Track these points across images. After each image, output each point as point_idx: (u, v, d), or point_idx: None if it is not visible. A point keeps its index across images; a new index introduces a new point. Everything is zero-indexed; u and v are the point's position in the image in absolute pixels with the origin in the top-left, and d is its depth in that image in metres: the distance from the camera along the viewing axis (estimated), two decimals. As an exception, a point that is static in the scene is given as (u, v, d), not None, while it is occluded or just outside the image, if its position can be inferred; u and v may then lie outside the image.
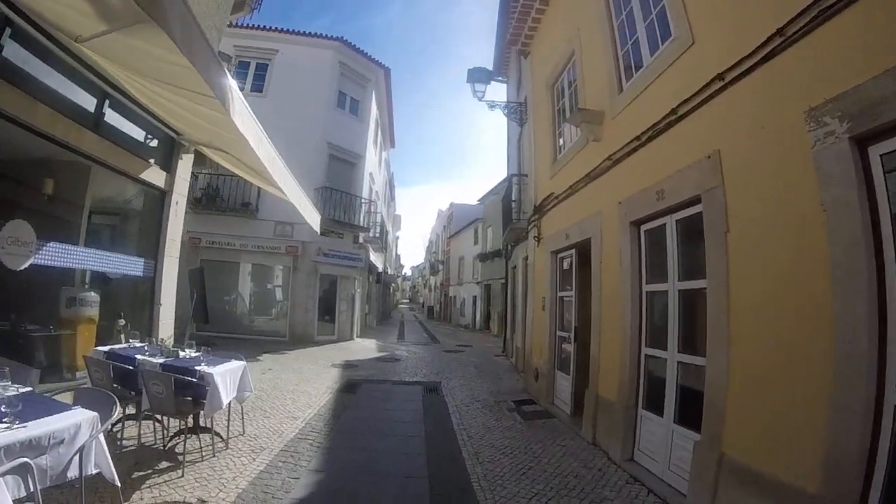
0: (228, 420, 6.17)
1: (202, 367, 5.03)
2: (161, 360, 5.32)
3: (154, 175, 7.51)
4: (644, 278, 5.57)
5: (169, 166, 7.95)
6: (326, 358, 13.25)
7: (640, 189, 5.44)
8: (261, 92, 17.93)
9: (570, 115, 6.99)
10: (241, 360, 5.83)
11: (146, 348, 5.83)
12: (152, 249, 7.71)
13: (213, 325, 15.98)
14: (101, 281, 7.13)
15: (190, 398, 5.08)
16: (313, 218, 7.51)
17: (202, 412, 5.08)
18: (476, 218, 33.50)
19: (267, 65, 18.23)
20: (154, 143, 7.83)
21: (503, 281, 25.82)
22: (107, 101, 6.39)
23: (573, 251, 7.72)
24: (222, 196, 16.60)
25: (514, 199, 12.15)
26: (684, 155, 4.64)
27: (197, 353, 5.76)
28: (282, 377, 10.05)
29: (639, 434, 5.42)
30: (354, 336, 18.83)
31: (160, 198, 7.89)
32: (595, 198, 6.82)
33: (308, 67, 18.19)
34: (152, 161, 7.56)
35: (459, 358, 14.88)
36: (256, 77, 18.15)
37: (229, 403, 5.33)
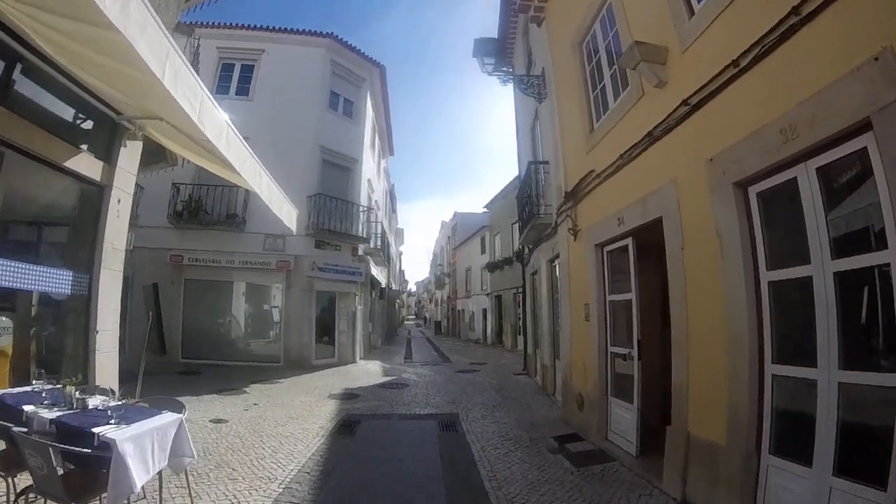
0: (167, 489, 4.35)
1: (104, 429, 3.26)
2: (55, 414, 3.58)
3: (87, 165, 5.85)
4: (764, 262, 3.80)
5: (108, 155, 6.28)
6: (323, 386, 11.45)
7: (751, 131, 3.71)
8: (247, 95, 16.41)
9: (623, 56, 5.26)
10: (179, 413, 4.03)
11: (44, 394, 4.06)
12: (86, 260, 5.99)
13: (200, 351, 14.43)
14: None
15: (88, 474, 3.33)
16: (288, 214, 5.81)
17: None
18: (482, 226, 31.74)
19: (253, 66, 16.70)
20: (87, 124, 6.18)
21: (516, 290, 24.09)
22: (18, 66, 4.89)
23: (629, 240, 5.96)
24: (205, 208, 14.90)
25: (530, 192, 10.40)
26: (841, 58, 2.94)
27: (119, 402, 3.99)
28: (266, 415, 8.25)
29: (766, 493, 3.63)
30: (357, 358, 16.99)
31: (96, 195, 6.20)
32: (663, 162, 5.10)
33: (297, 67, 16.67)
34: (84, 147, 5.91)
35: (475, 379, 13.05)
36: (242, 80, 16.62)
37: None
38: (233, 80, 16.51)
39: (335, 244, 16.25)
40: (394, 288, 42.12)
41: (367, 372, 14.57)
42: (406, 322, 78.55)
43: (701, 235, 4.48)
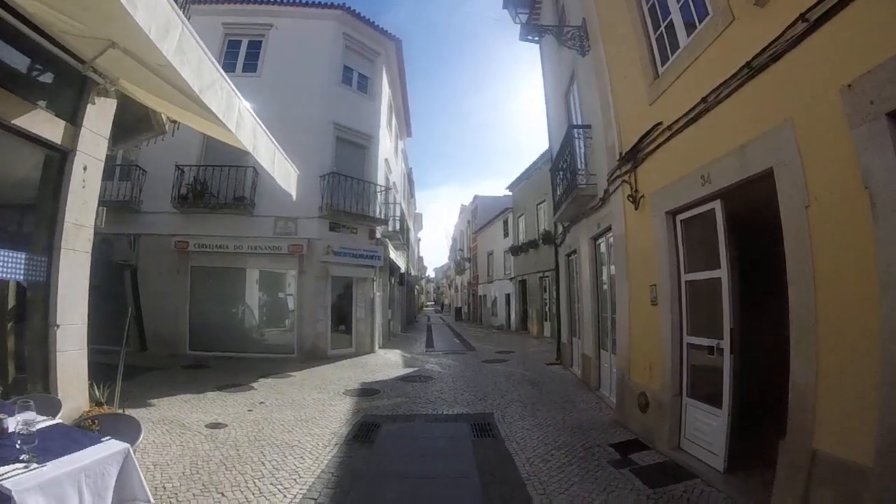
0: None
1: (4, 472, 2.19)
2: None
3: (44, 125, 4.81)
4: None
5: (72, 114, 5.24)
6: (339, 380, 10.41)
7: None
8: (255, 72, 15.30)
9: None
10: (132, 438, 2.93)
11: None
12: (43, 239, 4.93)
13: (209, 343, 13.51)
14: None
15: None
16: (285, 172, 4.66)
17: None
18: (505, 208, 30.43)
19: (261, 41, 15.57)
20: (46, 76, 5.11)
21: (542, 274, 22.90)
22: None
23: (716, 203, 4.72)
24: (211, 191, 13.89)
25: (568, 162, 9.16)
26: None
27: (45, 421, 2.93)
28: (272, 417, 7.22)
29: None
30: (376, 347, 15.96)
31: (58, 161, 5.15)
32: (772, 98, 3.86)
33: (307, 41, 15.52)
34: (41, 104, 4.85)
35: (506, 370, 11.90)
36: (249, 56, 15.50)
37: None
38: (239, 56, 15.43)
39: (351, 226, 15.17)
40: (413, 274, 41.14)
41: (387, 363, 13.51)
42: (425, 308, 77.85)
43: (835, 189, 3.28)
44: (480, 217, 38.32)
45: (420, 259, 68.98)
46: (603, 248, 8.51)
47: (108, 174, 14.62)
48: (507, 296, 29.60)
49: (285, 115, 14.36)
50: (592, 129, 8.56)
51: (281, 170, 4.47)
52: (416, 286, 56.24)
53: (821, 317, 3.40)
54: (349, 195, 14.74)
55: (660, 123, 5.52)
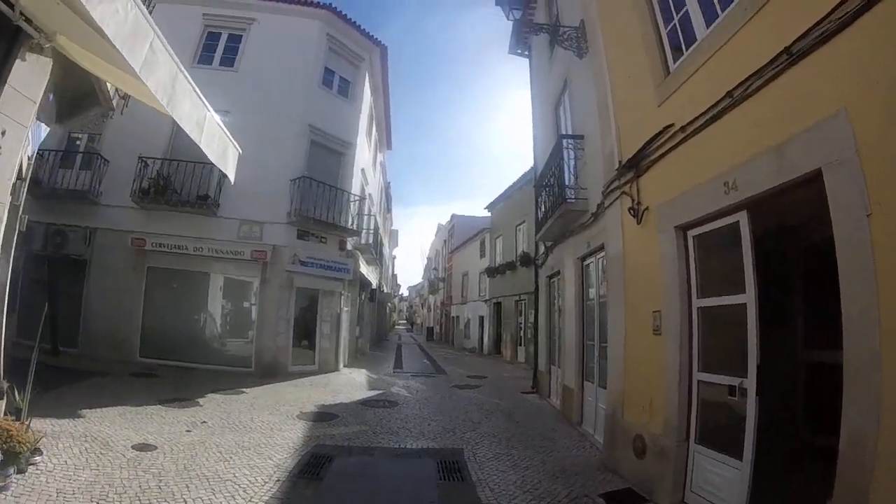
0: None
1: None
2: None
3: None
4: None
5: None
6: (295, 401, 9.45)
7: None
8: (231, 66, 14.47)
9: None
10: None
11: None
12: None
13: (161, 350, 12.40)
14: None
15: None
16: (220, 148, 3.82)
17: None
18: (483, 228, 29.76)
19: (241, 36, 14.78)
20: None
21: (519, 297, 22.15)
22: None
23: (742, 216, 4.00)
24: (174, 187, 12.90)
25: (555, 176, 8.49)
26: None
27: None
28: (211, 441, 6.26)
29: None
30: (340, 365, 14.94)
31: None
32: (818, 85, 3.20)
33: (290, 39, 14.78)
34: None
35: (478, 398, 11.02)
36: (228, 50, 14.66)
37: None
38: (217, 49, 14.60)
39: (320, 235, 14.25)
40: (385, 290, 40.11)
41: (351, 383, 12.53)
42: (397, 326, 76.62)
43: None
44: (457, 236, 37.61)
45: (394, 276, 67.85)
46: (592, 269, 7.80)
47: (68, 162, 13.71)
48: (481, 318, 28.76)
49: (260, 112, 13.73)
50: (585, 140, 7.91)
51: (213, 140, 3.62)
52: (389, 304, 55.12)
53: (886, 351, 2.68)
54: (321, 202, 13.86)
55: (671, 126, 4.84)
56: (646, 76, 5.53)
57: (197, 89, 3.30)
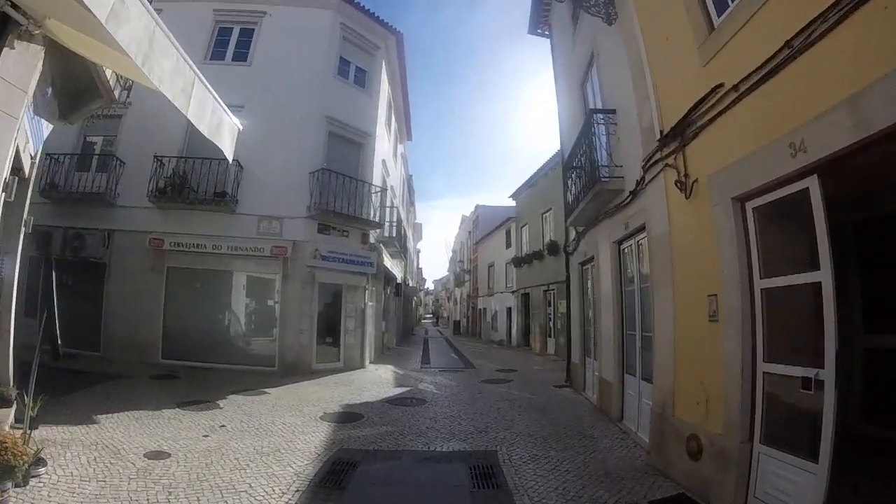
0: None
1: None
2: None
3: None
4: None
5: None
6: (319, 400, 9.11)
7: None
8: (244, 61, 14.20)
9: None
10: None
11: None
12: None
13: (183, 351, 12.26)
14: None
15: None
16: (215, 122, 3.39)
17: None
18: (508, 217, 29.16)
19: (253, 30, 14.50)
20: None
21: (547, 287, 21.56)
22: None
23: (812, 181, 3.41)
24: (191, 185, 12.68)
25: (586, 156, 7.92)
26: None
27: None
28: (228, 447, 5.91)
29: None
30: (366, 362, 14.61)
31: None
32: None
33: (303, 31, 14.39)
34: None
35: (509, 394, 10.53)
36: (240, 44, 14.39)
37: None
38: (230, 45, 14.35)
39: (342, 229, 13.90)
40: (411, 284, 39.84)
41: (377, 380, 12.16)
42: (423, 321, 76.53)
43: None
44: (482, 227, 37.03)
45: (419, 270, 67.61)
46: (631, 252, 7.23)
47: (84, 165, 13.63)
48: (509, 309, 28.22)
49: (276, 106, 13.49)
50: (618, 115, 7.32)
51: (204, 111, 3.18)
52: (415, 298, 54.92)
53: None
54: (341, 195, 13.49)
55: (720, 86, 4.26)
56: (686, 35, 4.94)
57: (183, 52, 2.86)
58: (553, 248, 20.14)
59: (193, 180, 12.62)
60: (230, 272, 13.29)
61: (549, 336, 21.19)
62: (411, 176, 35.90)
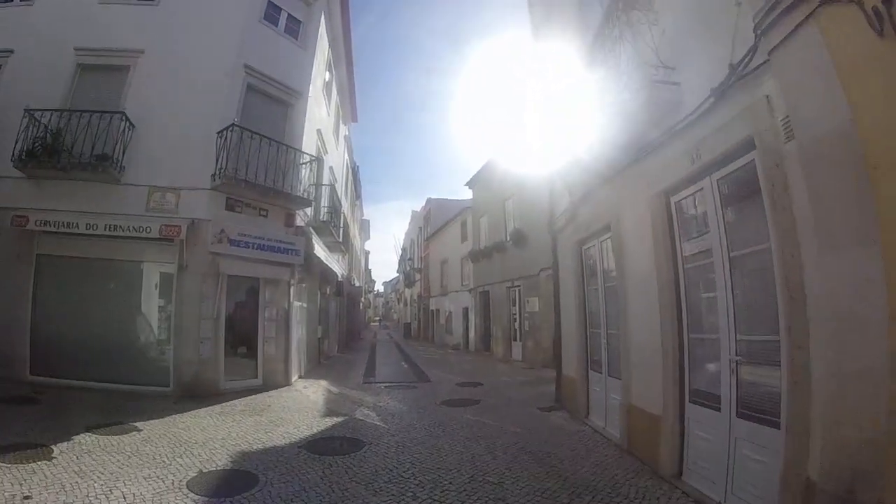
0: None
1: None
2: None
3: None
4: None
5: None
6: (206, 444, 6.15)
7: None
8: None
9: None
10: None
11: None
12: None
13: (58, 366, 9.24)
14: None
15: None
16: None
17: None
18: (463, 208, 26.45)
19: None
20: None
21: (510, 284, 18.85)
22: None
23: None
24: (65, 145, 9.36)
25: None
26: None
27: None
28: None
29: None
30: (293, 377, 11.44)
31: None
32: None
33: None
34: None
35: (481, 423, 7.69)
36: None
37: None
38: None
39: (259, 206, 10.79)
40: (357, 284, 36.54)
41: (302, 405, 9.08)
42: (372, 324, 73.36)
43: None
44: (434, 222, 34.20)
45: (368, 272, 64.13)
46: (692, 206, 4.57)
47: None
48: (465, 310, 25.38)
49: (184, 53, 10.58)
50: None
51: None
52: (362, 300, 51.54)
53: None
54: (258, 162, 10.34)
55: None
56: None
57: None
58: (518, 238, 17.50)
59: (68, 140, 9.40)
60: (120, 262, 9.98)
61: (515, 340, 18.52)
62: (358, 167, 32.71)
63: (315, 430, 7.06)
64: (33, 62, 10.07)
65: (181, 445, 6.05)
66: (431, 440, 6.65)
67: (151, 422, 7.14)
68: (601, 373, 6.76)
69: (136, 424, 6.89)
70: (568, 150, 6.98)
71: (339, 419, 7.89)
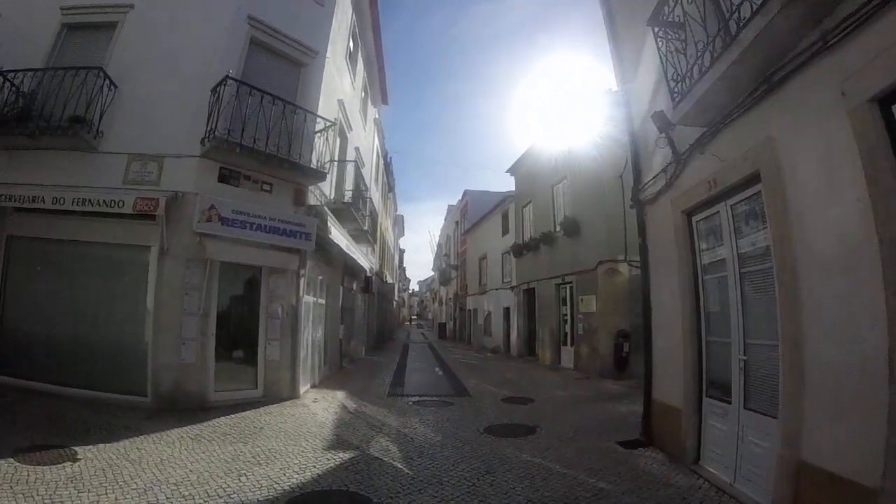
0: None
1: None
2: None
3: None
4: None
5: None
6: (144, 495, 4.13)
7: None
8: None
9: None
10: None
11: None
12: None
13: (30, 365, 7.79)
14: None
15: None
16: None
17: None
18: (504, 198, 24.19)
19: None
20: None
21: (559, 280, 16.43)
22: None
23: None
24: (37, 109, 7.90)
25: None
26: None
27: None
28: None
29: None
30: (301, 388, 9.38)
31: None
32: None
33: None
34: None
35: (546, 468, 5.49)
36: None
37: None
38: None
39: (262, 179, 8.86)
40: (389, 281, 34.66)
41: (302, 429, 7.00)
42: (406, 324, 71.97)
43: None
44: (471, 215, 32.00)
45: (402, 269, 62.53)
46: None
47: None
48: (506, 310, 23.08)
49: (178, 3, 8.98)
50: None
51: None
52: (396, 298, 49.84)
53: None
54: (261, 125, 8.41)
55: None
56: None
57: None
58: (571, 227, 15.18)
59: (40, 103, 7.93)
60: (100, 244, 8.22)
61: (565, 344, 16.16)
62: (391, 158, 30.83)
63: (308, 477, 4.94)
64: (17, 25, 8.54)
65: (111, 492, 4.14)
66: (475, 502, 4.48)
67: (100, 446, 5.38)
68: (729, 402, 4.51)
69: (78, 450, 5.15)
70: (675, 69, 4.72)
71: (347, 456, 5.76)
